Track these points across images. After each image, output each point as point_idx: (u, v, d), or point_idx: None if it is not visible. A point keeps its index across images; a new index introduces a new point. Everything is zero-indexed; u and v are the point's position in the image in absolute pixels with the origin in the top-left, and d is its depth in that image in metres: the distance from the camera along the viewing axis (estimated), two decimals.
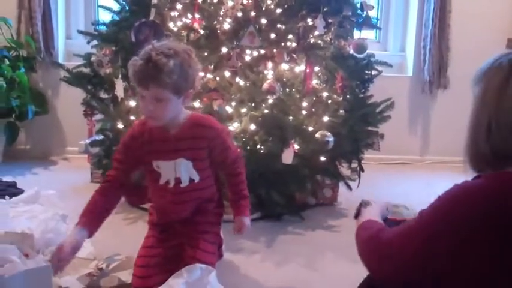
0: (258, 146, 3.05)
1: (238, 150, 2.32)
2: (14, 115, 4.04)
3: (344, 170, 3.48)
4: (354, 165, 3.48)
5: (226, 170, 2.25)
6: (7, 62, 3.97)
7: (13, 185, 3.54)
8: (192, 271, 1.93)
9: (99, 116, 3.51)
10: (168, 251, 2.15)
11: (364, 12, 3.47)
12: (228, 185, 2.29)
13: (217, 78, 3.09)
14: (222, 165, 2.23)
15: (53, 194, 3.08)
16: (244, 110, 3.06)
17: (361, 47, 3.34)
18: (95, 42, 3.50)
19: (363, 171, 3.47)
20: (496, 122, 1.33)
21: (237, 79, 3.10)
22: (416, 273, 1.37)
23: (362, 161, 3.49)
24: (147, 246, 2.18)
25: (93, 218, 2.07)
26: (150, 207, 2.32)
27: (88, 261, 2.44)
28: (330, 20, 3.27)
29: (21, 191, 3.32)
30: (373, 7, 3.56)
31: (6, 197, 3.04)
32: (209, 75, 3.09)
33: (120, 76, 3.13)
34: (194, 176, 2.13)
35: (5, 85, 3.86)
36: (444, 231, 1.29)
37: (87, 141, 3.64)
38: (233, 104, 3.06)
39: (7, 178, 3.69)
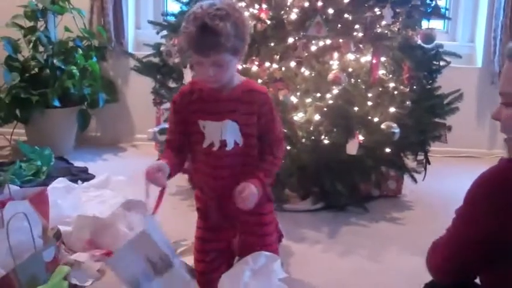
0: (323, 137, 3.05)
1: (283, 135, 2.14)
2: (86, 103, 4.17)
3: (409, 162, 3.44)
4: (420, 157, 3.44)
5: (265, 146, 2.06)
6: (80, 51, 4.10)
7: (85, 170, 3.68)
8: (258, 258, 1.95)
9: (167, 105, 3.59)
10: (221, 244, 2.12)
11: (433, 2, 3.42)
12: (259, 161, 2.07)
13: (283, 69, 3.11)
14: (263, 138, 2.06)
15: (122, 180, 3.19)
16: (309, 100, 3.07)
17: (429, 37, 3.28)
18: (164, 32, 3.57)
19: (429, 163, 3.42)
20: None
21: (303, 69, 3.11)
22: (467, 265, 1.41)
23: (428, 154, 3.44)
24: (199, 238, 2.14)
25: (171, 162, 1.98)
26: (195, 190, 2.22)
27: None
28: (398, 10, 3.23)
29: (92, 176, 3.44)
30: None
31: (79, 181, 3.16)
32: (275, 65, 3.12)
33: (188, 65, 3.19)
34: (238, 140, 2.01)
35: (77, 74, 3.99)
36: (472, 219, 1.37)
37: (156, 129, 3.72)
38: (298, 94, 3.08)
39: (79, 163, 3.83)
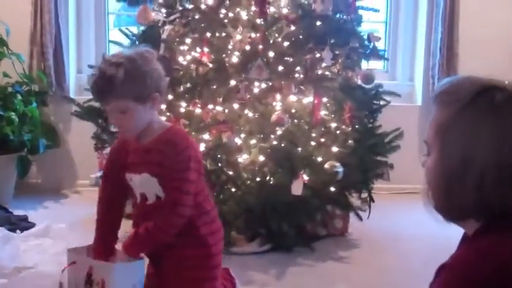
0: (268, 178, 3.06)
1: (188, 197, 1.89)
2: (25, 149, 4.07)
3: (354, 200, 3.46)
4: (364, 195, 3.47)
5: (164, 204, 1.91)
6: (19, 97, 4.01)
7: (25, 218, 3.56)
8: None
9: (109, 150, 3.54)
10: None
11: (372, 44, 3.50)
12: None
13: (226, 111, 3.12)
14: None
15: (64, 228, 3.11)
16: (253, 141, 3.08)
17: (369, 77, 3.36)
18: None
19: (373, 201, 3.46)
20: (495, 173, 1.05)
21: (246, 111, 3.13)
22: None
23: (372, 191, 3.48)
24: None
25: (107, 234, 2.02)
26: None
27: None
28: (337, 52, 3.30)
29: (32, 225, 3.34)
30: (380, 38, 3.59)
31: (18, 231, 3.07)
32: (218, 108, 3.12)
33: None
34: (160, 193, 1.90)
35: (17, 120, 3.90)
36: None
37: (98, 174, 3.65)
38: (242, 135, 3.08)
39: (19, 212, 3.71)
